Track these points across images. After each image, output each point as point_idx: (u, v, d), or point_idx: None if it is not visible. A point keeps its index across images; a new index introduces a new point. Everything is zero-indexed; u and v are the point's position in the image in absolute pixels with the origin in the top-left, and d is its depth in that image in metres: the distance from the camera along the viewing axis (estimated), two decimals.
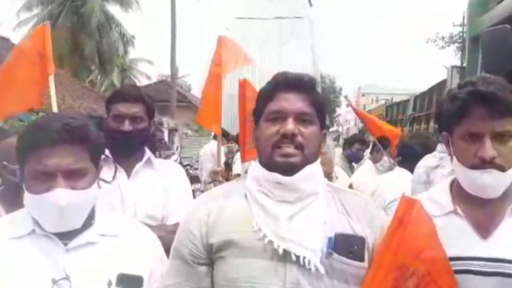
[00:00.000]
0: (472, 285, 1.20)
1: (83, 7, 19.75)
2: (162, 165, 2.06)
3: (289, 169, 1.23)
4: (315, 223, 1.23)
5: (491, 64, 2.52)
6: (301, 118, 1.26)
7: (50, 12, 19.58)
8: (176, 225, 1.81)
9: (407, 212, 1.22)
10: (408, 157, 3.00)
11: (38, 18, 19.37)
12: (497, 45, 2.49)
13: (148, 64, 27.18)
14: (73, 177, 1.18)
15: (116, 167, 1.86)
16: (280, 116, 1.26)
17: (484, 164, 1.20)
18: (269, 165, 1.26)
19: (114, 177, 1.82)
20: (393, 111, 13.85)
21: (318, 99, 1.30)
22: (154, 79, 26.85)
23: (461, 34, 18.92)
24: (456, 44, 18.97)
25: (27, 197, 1.19)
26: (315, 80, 1.32)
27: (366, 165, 4.57)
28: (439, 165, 2.26)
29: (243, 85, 2.42)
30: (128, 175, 1.94)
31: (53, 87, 2.15)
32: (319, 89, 1.33)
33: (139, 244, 1.32)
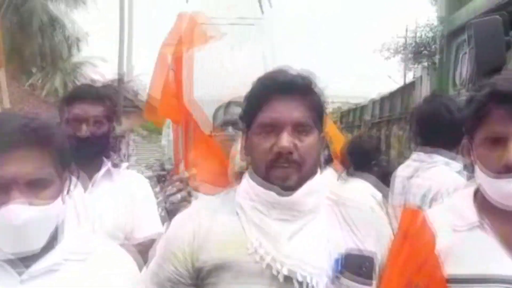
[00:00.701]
0: None
1: (23, 7, 18.73)
2: (123, 176, 1.86)
3: (287, 189, 1.12)
4: (318, 243, 1.11)
5: (484, 55, 2.53)
6: (297, 130, 1.12)
7: None
8: (142, 245, 1.70)
9: (412, 225, 1.14)
10: (360, 164, 2.95)
11: None
12: (488, 35, 2.50)
13: (93, 67, 26.18)
14: (32, 189, 1.00)
15: (70, 179, 1.63)
16: (273, 129, 1.12)
17: (510, 171, 1.09)
18: (264, 184, 1.13)
19: (68, 190, 1.59)
20: (350, 117, 13.12)
21: (316, 101, 1.16)
22: (99, 84, 25.81)
23: (405, 45, 19.79)
24: (400, 55, 19.81)
25: None
26: (310, 79, 1.16)
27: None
28: (414, 175, 2.19)
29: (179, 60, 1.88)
30: (85, 188, 1.74)
31: (3, 79, 1.82)
32: (315, 87, 1.16)
33: (112, 269, 1.12)
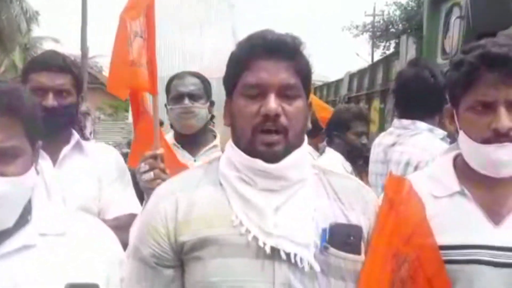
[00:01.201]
0: (483, 277, 1.07)
1: None
2: (93, 149, 1.74)
3: (273, 158, 1.05)
4: (305, 214, 1.06)
5: (483, 22, 2.42)
6: (284, 93, 1.04)
7: None
8: (117, 219, 1.60)
9: (397, 193, 1.10)
10: (337, 131, 2.88)
11: None
12: (486, 1, 2.40)
13: (54, 43, 25.19)
14: (1, 159, 0.90)
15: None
16: (259, 92, 1.04)
17: (498, 137, 1.04)
18: (250, 151, 1.05)
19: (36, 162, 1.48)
20: (323, 92, 11.98)
21: (304, 64, 1.08)
22: None
23: (372, 23, 19.93)
24: (369, 33, 19.94)
25: None
26: (300, 40, 1.08)
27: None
28: (396, 142, 2.10)
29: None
30: (54, 162, 1.62)
31: None
32: (304, 50, 1.08)
33: (91, 244, 1.03)
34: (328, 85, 12.10)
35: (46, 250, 0.98)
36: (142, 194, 1.66)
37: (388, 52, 15.80)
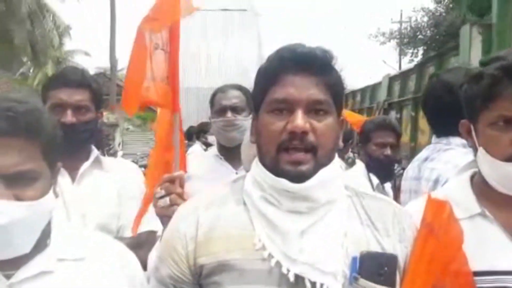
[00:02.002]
0: None
1: None
2: (113, 165, 1.72)
3: (300, 178, 0.97)
4: (333, 239, 0.97)
5: None
6: (313, 109, 0.97)
7: None
8: (136, 237, 1.56)
9: (437, 217, 1.01)
10: (361, 143, 2.78)
11: None
12: None
13: (85, 56, 25.89)
14: (18, 183, 0.87)
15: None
16: (286, 107, 0.97)
17: None
18: (274, 169, 0.98)
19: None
20: (357, 98, 10.99)
21: (335, 79, 1.00)
22: (91, 72, 25.68)
23: (399, 30, 19.67)
24: (396, 40, 19.68)
25: None
26: (331, 54, 1.01)
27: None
28: (429, 157, 1.96)
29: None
30: (73, 179, 1.60)
31: None
32: (336, 65, 1.02)
33: (111, 269, 1.00)
34: (362, 90, 10.79)
35: (64, 277, 0.95)
36: None
37: (416, 59, 15.51)
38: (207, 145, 6.75)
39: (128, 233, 1.61)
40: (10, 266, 0.90)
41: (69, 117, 1.55)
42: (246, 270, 0.96)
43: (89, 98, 1.60)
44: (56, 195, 0.96)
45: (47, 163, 0.92)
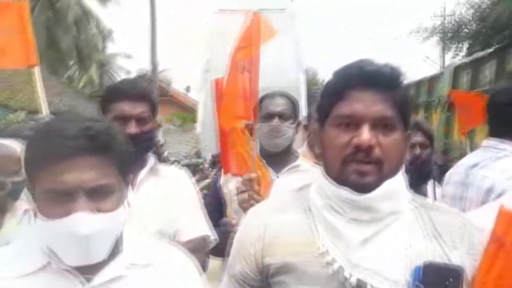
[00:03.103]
0: None
1: (58, 1, 19.21)
2: (168, 172, 1.81)
3: (364, 189, 0.99)
4: (396, 249, 0.98)
5: None
6: (380, 124, 0.99)
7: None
8: (191, 242, 1.67)
9: (509, 231, 0.95)
10: None
11: None
12: None
13: (127, 59, 26.62)
14: (97, 196, 0.93)
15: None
16: (352, 122, 0.99)
17: None
18: (339, 181, 1.01)
19: None
20: (411, 92, 10.31)
21: (402, 96, 1.02)
22: (133, 74, 26.40)
23: (442, 25, 18.99)
24: (439, 36, 19.02)
25: (40, 222, 0.94)
26: (399, 72, 1.03)
27: None
28: (479, 163, 1.87)
29: (220, 84, 1.99)
30: (132, 186, 1.66)
31: (39, 79, 1.78)
32: (403, 81, 1.04)
33: (175, 274, 1.07)
34: (417, 83, 9.55)
35: (135, 281, 1.02)
36: None
37: (460, 55, 14.92)
38: None
39: (183, 238, 1.69)
40: (89, 271, 0.97)
41: (132, 128, 1.63)
42: (309, 273, 1.00)
43: (149, 109, 1.69)
44: (128, 205, 1.02)
45: (120, 177, 0.99)
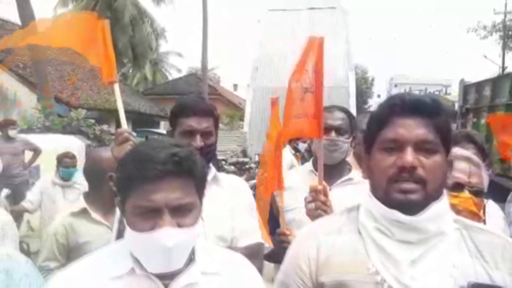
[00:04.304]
0: None
1: (116, 2, 20.00)
2: (227, 181, 1.92)
3: (409, 207, 1.07)
4: (443, 269, 1.06)
5: None
6: (422, 147, 1.08)
7: (84, 8, 19.93)
8: (248, 248, 1.79)
9: None
10: None
11: None
12: None
13: (178, 57, 27.28)
14: (180, 213, 1.06)
15: None
16: (396, 146, 1.09)
17: None
18: (386, 201, 1.10)
19: None
20: (468, 96, 9.19)
21: (443, 123, 1.11)
22: (184, 72, 27.04)
23: (503, 22, 17.99)
24: (499, 33, 18.04)
25: (129, 234, 1.07)
26: (438, 101, 1.13)
27: None
28: None
29: (275, 103, 2.08)
30: None
31: (119, 95, 1.90)
32: (443, 110, 1.14)
33: (242, 282, 1.20)
34: (494, 80, 8.32)
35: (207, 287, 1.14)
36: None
37: None
38: (296, 150, 6.80)
39: (240, 244, 1.79)
40: (167, 277, 1.11)
41: (198, 142, 1.74)
42: None
43: (213, 124, 1.81)
44: (202, 221, 1.15)
45: (198, 196, 1.12)
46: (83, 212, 2.29)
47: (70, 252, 2.23)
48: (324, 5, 20.03)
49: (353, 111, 15.14)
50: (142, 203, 1.04)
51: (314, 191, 1.74)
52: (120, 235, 1.35)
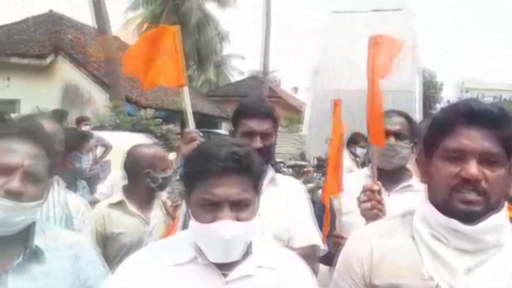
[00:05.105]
0: None
1: (183, 6, 20.72)
2: (285, 183, 1.96)
3: (470, 218, 1.07)
4: (499, 280, 1.06)
5: None
6: (486, 160, 1.07)
7: (153, 12, 20.86)
8: (303, 249, 1.79)
9: None
10: None
11: (143, 18, 20.73)
12: None
13: (240, 60, 27.70)
14: (238, 207, 1.15)
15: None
16: (460, 156, 1.08)
17: None
18: (445, 209, 1.09)
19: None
20: None
21: (509, 134, 1.09)
22: (246, 75, 27.42)
23: None
24: None
25: (193, 224, 1.18)
26: (506, 112, 1.11)
27: None
28: None
29: (338, 105, 2.07)
30: None
31: (188, 98, 1.97)
32: (509, 120, 1.11)
33: (295, 278, 1.25)
34: None
35: (262, 281, 1.20)
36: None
37: None
38: (355, 155, 6.68)
39: (296, 244, 1.81)
40: (225, 268, 1.18)
41: (258, 143, 1.79)
42: None
43: (272, 126, 1.86)
44: (259, 215, 1.21)
45: (255, 193, 1.20)
46: (120, 204, 2.42)
47: (106, 241, 2.34)
48: (389, 7, 19.46)
49: (419, 116, 14.55)
50: (204, 196, 1.14)
51: (369, 190, 1.75)
52: (185, 226, 1.44)
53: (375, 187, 1.76)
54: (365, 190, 1.77)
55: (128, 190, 2.46)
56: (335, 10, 19.94)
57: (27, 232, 1.24)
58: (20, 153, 1.20)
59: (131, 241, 2.30)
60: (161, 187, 2.46)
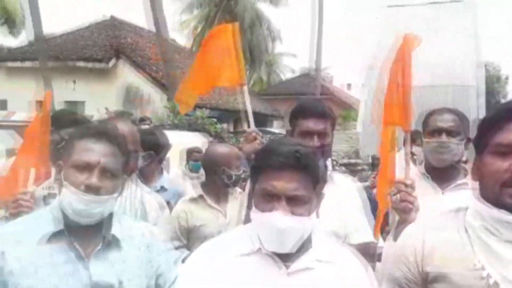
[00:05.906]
0: None
1: (236, 7, 20.98)
2: (340, 180, 1.99)
3: None
4: None
5: None
6: None
7: (207, 13, 21.30)
8: (361, 245, 1.81)
9: None
10: None
11: (197, 19, 21.25)
12: None
13: (292, 58, 27.59)
14: (294, 202, 1.22)
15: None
16: (510, 151, 1.11)
17: None
18: (497, 204, 1.12)
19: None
20: None
21: None
22: (297, 73, 27.30)
23: None
24: None
25: (254, 213, 1.26)
26: None
27: None
28: None
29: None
30: None
31: (247, 97, 2.00)
32: None
33: (353, 274, 1.31)
34: None
35: (321, 274, 1.27)
36: None
37: None
38: (412, 154, 6.43)
39: (353, 241, 1.84)
40: (286, 259, 1.26)
41: (315, 142, 1.84)
42: (465, 284, 1.12)
43: (330, 126, 1.89)
44: (317, 217, 1.29)
45: (315, 193, 1.27)
46: (200, 198, 2.60)
47: (189, 234, 2.54)
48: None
49: (482, 112, 13.83)
50: (265, 187, 1.23)
51: (399, 183, 1.77)
52: (247, 220, 1.51)
53: (407, 182, 1.78)
54: (395, 183, 1.81)
55: (206, 186, 2.66)
56: (391, 4, 19.39)
57: (106, 223, 1.37)
58: (97, 152, 1.33)
59: (211, 231, 2.45)
60: (235, 183, 2.64)
